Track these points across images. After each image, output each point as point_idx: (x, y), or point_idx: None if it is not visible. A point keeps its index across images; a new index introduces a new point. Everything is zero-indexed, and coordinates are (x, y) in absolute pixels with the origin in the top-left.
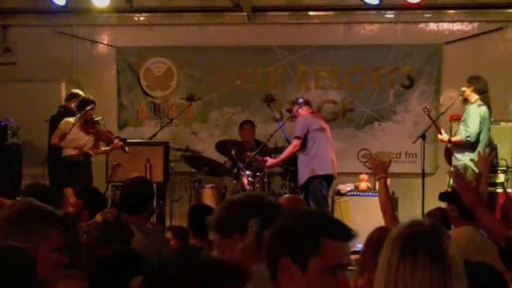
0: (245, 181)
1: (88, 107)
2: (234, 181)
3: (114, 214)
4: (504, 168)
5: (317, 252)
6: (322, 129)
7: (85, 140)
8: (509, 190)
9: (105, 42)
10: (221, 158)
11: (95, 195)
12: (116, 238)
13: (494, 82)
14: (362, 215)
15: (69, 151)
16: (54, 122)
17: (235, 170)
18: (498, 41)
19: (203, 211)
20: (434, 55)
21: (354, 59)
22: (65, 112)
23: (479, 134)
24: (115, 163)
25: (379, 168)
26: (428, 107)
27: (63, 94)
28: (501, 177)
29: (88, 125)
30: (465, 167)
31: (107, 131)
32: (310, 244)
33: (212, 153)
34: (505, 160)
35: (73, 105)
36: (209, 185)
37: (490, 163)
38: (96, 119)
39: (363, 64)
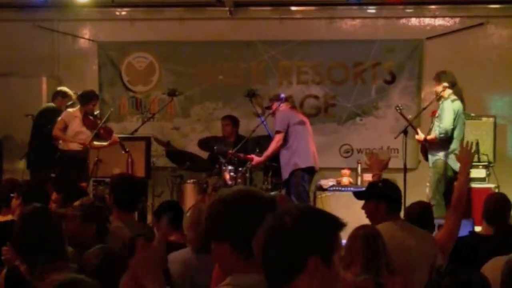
0: (227, 176)
1: (92, 102)
2: (216, 177)
3: (91, 199)
4: (486, 163)
5: (337, 247)
6: (301, 122)
7: (87, 134)
8: (490, 185)
9: (87, 36)
10: (204, 154)
11: (75, 188)
12: (94, 219)
13: (475, 78)
14: (344, 210)
15: (70, 145)
16: (40, 119)
17: (217, 166)
18: (480, 36)
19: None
20: (415, 51)
21: (336, 54)
22: (53, 110)
23: (453, 130)
24: (96, 158)
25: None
26: (400, 105)
27: (44, 89)
28: (482, 172)
29: (89, 119)
30: (443, 162)
31: (107, 126)
32: (334, 240)
33: (193, 148)
34: (487, 155)
35: (58, 102)
36: (191, 181)
37: (472, 157)
38: (95, 113)
39: (345, 59)
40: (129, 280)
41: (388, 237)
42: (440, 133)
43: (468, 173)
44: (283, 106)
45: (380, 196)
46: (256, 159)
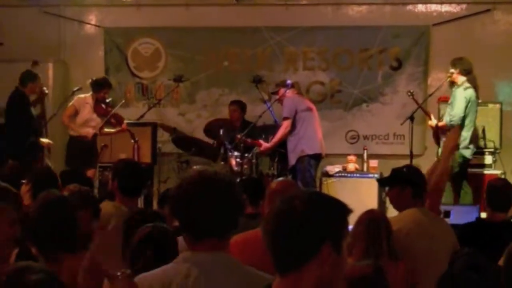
0: (233, 162)
1: (104, 89)
2: (222, 162)
3: (78, 186)
4: (492, 150)
5: (346, 233)
6: (309, 109)
7: (97, 121)
8: (496, 172)
9: (93, 22)
10: (210, 140)
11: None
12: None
13: (482, 64)
14: (350, 196)
15: (80, 131)
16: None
17: (222, 151)
18: (486, 22)
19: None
20: (422, 37)
21: (342, 40)
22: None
23: (463, 117)
24: (102, 144)
25: None
26: (411, 90)
27: (51, 75)
28: (488, 159)
29: (100, 106)
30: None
31: (117, 114)
32: (344, 226)
33: (199, 135)
34: (493, 141)
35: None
36: (197, 166)
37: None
38: (107, 100)
39: (351, 46)
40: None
41: (414, 224)
42: (451, 120)
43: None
44: (290, 93)
45: (406, 182)
46: (264, 145)
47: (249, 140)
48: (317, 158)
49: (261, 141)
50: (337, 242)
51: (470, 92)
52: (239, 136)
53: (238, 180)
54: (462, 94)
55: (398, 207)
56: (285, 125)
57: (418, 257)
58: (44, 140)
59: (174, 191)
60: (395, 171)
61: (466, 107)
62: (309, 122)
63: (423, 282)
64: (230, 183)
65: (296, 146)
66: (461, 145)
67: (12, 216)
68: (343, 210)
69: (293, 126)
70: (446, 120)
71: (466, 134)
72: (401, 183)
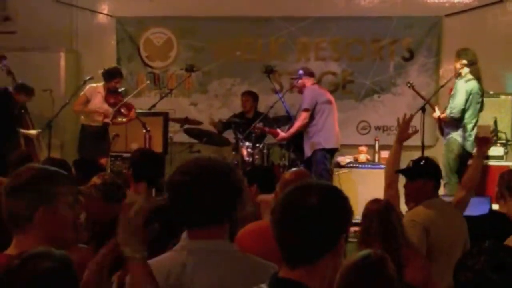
0: (244, 152)
1: (115, 79)
2: (233, 152)
3: (111, 175)
4: (504, 141)
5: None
6: (329, 102)
7: (109, 110)
8: (508, 163)
9: (105, 12)
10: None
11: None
12: (114, 198)
13: (494, 55)
14: (361, 187)
15: (89, 120)
16: None
17: (234, 141)
18: (499, 13)
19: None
20: (434, 28)
21: (354, 30)
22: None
23: (464, 110)
24: (114, 133)
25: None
26: (410, 81)
27: (63, 64)
28: (500, 150)
29: (111, 96)
30: (453, 142)
31: (128, 103)
32: (351, 218)
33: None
34: (505, 133)
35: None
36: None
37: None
38: (120, 90)
39: (363, 36)
40: (111, 243)
41: (439, 214)
42: (451, 113)
43: (484, 156)
44: (309, 82)
45: (429, 175)
46: (281, 134)
47: (267, 128)
48: (333, 152)
49: (278, 130)
50: (347, 233)
51: (472, 84)
52: (257, 125)
53: (248, 169)
54: (464, 86)
55: (418, 199)
56: (304, 116)
57: (444, 248)
58: (32, 131)
59: (170, 178)
60: (418, 164)
61: (467, 100)
62: (328, 115)
63: (447, 271)
64: (226, 168)
65: (313, 138)
66: (462, 137)
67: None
68: (347, 200)
69: (312, 118)
70: (446, 112)
71: (466, 125)
72: (425, 176)
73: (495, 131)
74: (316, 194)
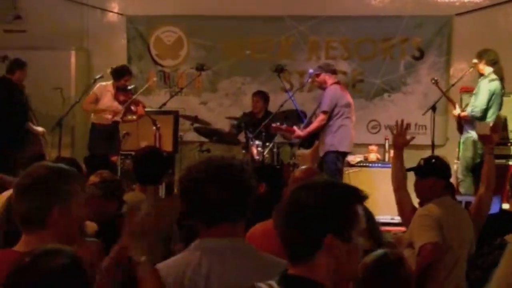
0: (255, 151)
1: (124, 77)
2: (244, 151)
3: (109, 172)
4: None
5: (355, 220)
6: (348, 105)
7: (118, 108)
8: None
9: (116, 10)
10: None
11: (104, 163)
12: (114, 194)
13: (504, 55)
14: (371, 186)
15: (100, 119)
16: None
17: (244, 140)
18: (510, 12)
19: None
20: (444, 27)
21: (365, 29)
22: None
23: (486, 110)
24: (124, 132)
25: (397, 140)
26: (436, 78)
27: (73, 63)
28: (511, 150)
29: (121, 94)
30: (474, 141)
31: (137, 100)
32: (350, 214)
33: (221, 123)
34: None
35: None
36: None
37: (491, 138)
38: (129, 88)
39: (373, 35)
40: (118, 247)
41: (450, 213)
42: (472, 111)
43: (492, 152)
44: (330, 80)
45: (440, 174)
46: (297, 132)
47: (283, 126)
48: (346, 154)
49: (295, 127)
50: (343, 231)
51: (495, 84)
52: (274, 125)
53: (255, 167)
54: (487, 86)
55: (428, 197)
56: (321, 118)
57: (453, 246)
58: (39, 128)
59: (183, 177)
60: (429, 162)
61: (490, 100)
62: (346, 118)
63: (453, 270)
64: (239, 167)
65: (327, 139)
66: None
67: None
68: (349, 197)
69: (330, 118)
70: (468, 110)
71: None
72: (436, 174)
73: (503, 128)
74: (306, 191)
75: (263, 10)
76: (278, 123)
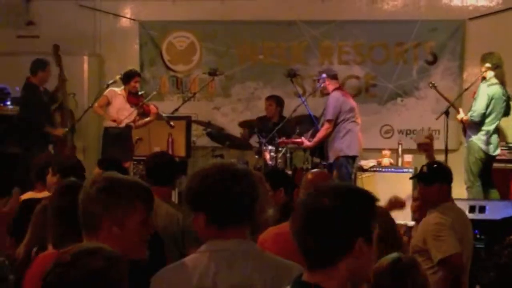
0: (267, 156)
1: (133, 79)
2: (257, 156)
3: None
4: None
5: (376, 223)
6: (352, 109)
7: (130, 111)
8: None
9: (128, 16)
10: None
11: (117, 168)
12: None
13: None
14: (384, 191)
15: (111, 122)
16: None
17: (257, 145)
18: None
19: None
20: (458, 31)
21: (378, 34)
22: (28, 85)
23: (484, 114)
24: (137, 137)
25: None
26: (432, 82)
27: (86, 68)
28: None
29: (132, 97)
30: (473, 145)
31: (151, 104)
32: (373, 218)
33: (234, 128)
34: None
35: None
36: (232, 160)
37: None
38: (140, 92)
39: (386, 40)
40: None
41: (457, 216)
42: (471, 116)
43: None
44: (332, 85)
45: (445, 178)
46: (305, 143)
47: (290, 140)
48: (355, 158)
49: (303, 139)
50: (368, 235)
51: (495, 88)
52: (281, 140)
53: (266, 173)
54: (485, 90)
55: (434, 203)
56: (326, 127)
57: (466, 247)
58: (58, 131)
59: (191, 181)
60: (433, 168)
61: (488, 104)
62: (351, 122)
63: (468, 265)
64: (243, 171)
65: (335, 145)
66: (480, 140)
67: None
68: (370, 201)
69: (335, 125)
70: (468, 115)
71: (487, 129)
72: (441, 180)
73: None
74: (329, 197)
75: (275, 15)
76: (284, 138)
